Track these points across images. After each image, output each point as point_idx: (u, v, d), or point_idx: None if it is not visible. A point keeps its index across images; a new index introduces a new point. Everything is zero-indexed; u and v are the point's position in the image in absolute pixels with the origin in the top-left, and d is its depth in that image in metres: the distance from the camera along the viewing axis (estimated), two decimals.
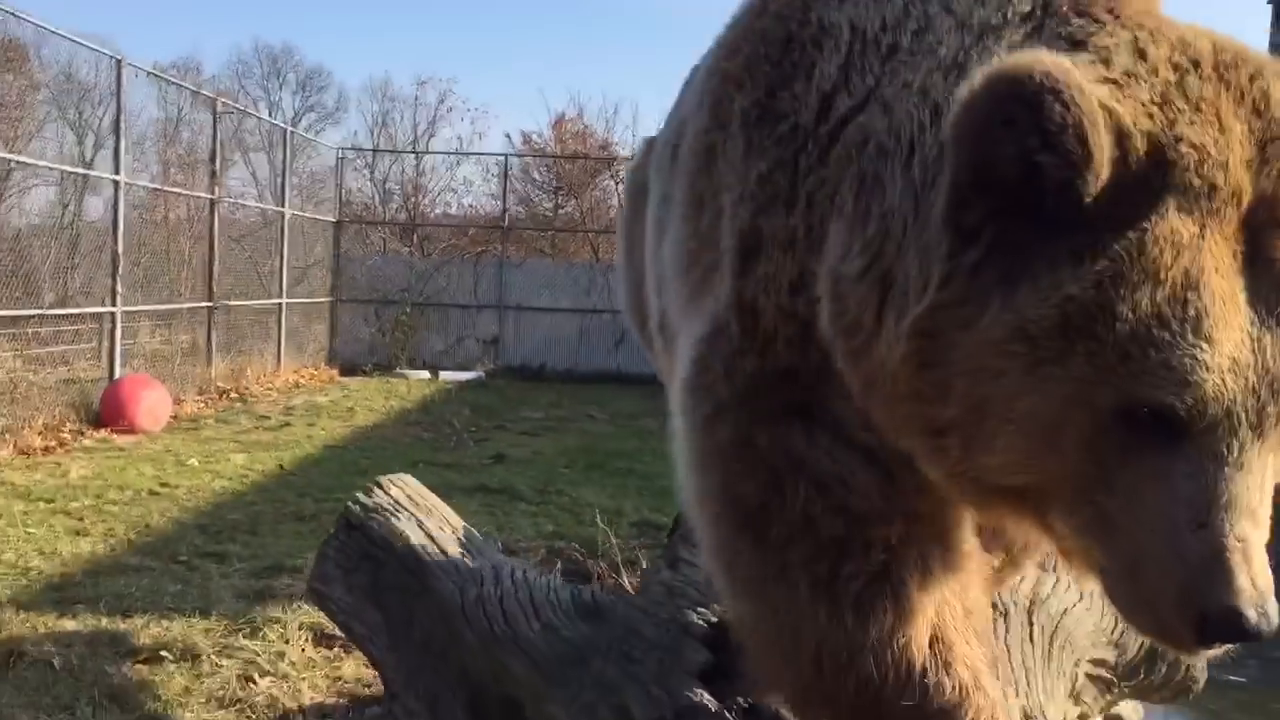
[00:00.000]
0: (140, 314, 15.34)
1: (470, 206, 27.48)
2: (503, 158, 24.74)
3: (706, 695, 1.93)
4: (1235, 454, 1.30)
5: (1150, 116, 1.34)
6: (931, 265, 1.39)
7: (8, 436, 10.81)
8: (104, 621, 5.78)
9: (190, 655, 5.25)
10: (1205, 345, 1.28)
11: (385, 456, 10.71)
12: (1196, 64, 1.39)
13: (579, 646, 2.31)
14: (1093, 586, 1.74)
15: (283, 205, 19.20)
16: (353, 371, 19.60)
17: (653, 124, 28.87)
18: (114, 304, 13.29)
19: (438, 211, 27.88)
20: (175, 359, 15.56)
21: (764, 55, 1.77)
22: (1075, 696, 2.87)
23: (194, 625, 5.68)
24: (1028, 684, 2.27)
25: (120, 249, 13.40)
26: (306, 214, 20.53)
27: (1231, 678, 4.61)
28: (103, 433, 11.74)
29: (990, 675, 1.72)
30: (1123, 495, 1.33)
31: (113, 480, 9.45)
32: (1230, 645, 1.39)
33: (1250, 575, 1.29)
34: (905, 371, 1.41)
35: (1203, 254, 1.30)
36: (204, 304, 16.26)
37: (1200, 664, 2.94)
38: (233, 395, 15.57)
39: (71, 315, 14.24)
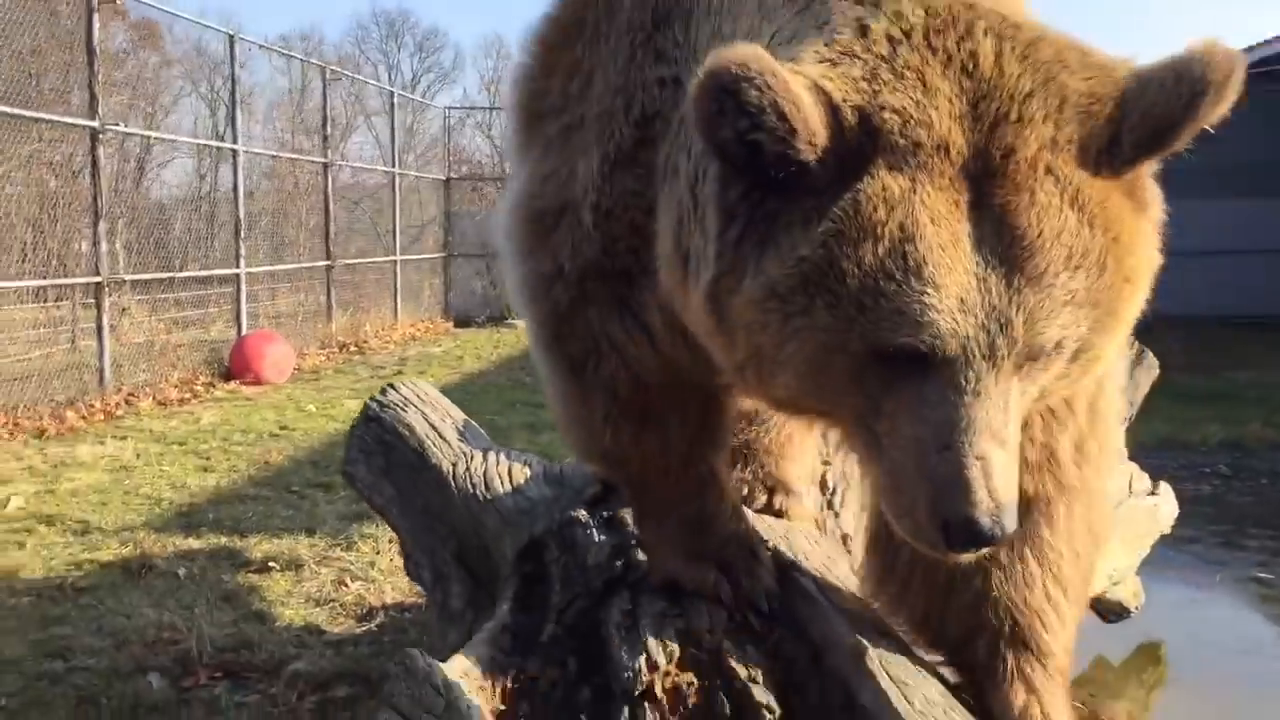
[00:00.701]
0: (265, 275, 16.36)
1: None
2: None
3: (583, 512, 2.42)
4: (973, 383, 1.46)
5: (858, 90, 1.48)
6: (708, 244, 1.60)
7: (148, 390, 11.86)
8: (223, 540, 6.53)
9: (294, 565, 5.95)
10: (931, 290, 1.43)
11: (487, 398, 11.37)
12: (908, 34, 1.53)
13: (536, 503, 2.81)
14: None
15: (393, 166, 20.02)
16: (466, 324, 20.46)
17: None
18: (238, 266, 14.26)
19: None
20: (298, 316, 16.56)
21: None
22: None
23: (300, 542, 6.38)
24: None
25: (242, 214, 14.33)
26: (413, 174, 21.32)
27: None
28: (232, 385, 12.73)
29: (726, 472, 2.27)
30: (886, 421, 1.53)
31: (238, 425, 10.34)
32: (976, 548, 1.54)
33: (988, 489, 1.45)
34: (705, 326, 1.67)
35: (916, 207, 1.44)
36: (322, 263, 17.20)
37: None
38: (351, 348, 16.52)
39: (201, 279, 15.28)
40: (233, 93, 14.46)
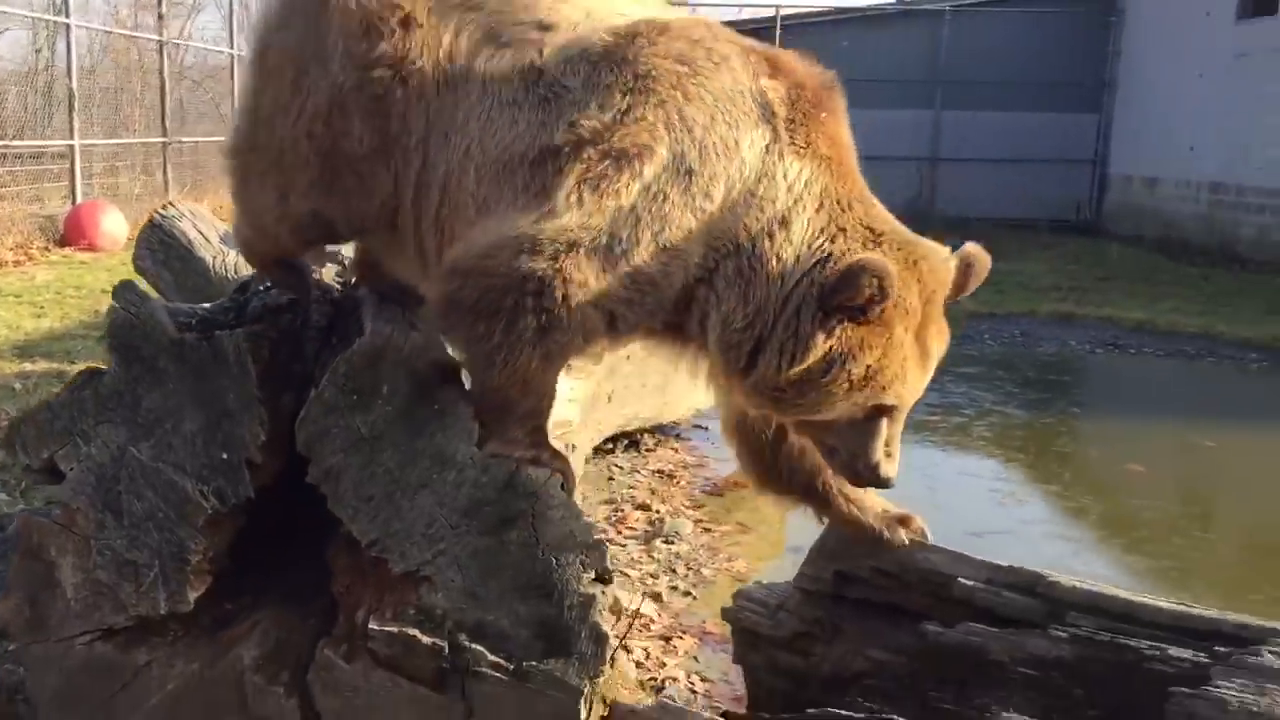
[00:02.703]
0: (104, 153, 16.83)
1: None
2: None
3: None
4: (899, 420, 2.56)
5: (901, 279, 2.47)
6: (804, 345, 2.47)
7: None
8: (54, 365, 7.60)
9: None
10: (906, 382, 2.50)
11: None
12: (907, 259, 2.52)
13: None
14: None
15: (232, 47, 20.41)
16: None
17: None
18: (71, 138, 14.80)
19: None
20: (134, 192, 17.11)
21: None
22: None
23: None
24: None
25: (75, 88, 14.83)
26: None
27: None
28: (66, 250, 13.44)
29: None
30: (858, 435, 2.54)
31: (71, 283, 11.21)
32: (880, 488, 2.62)
33: (894, 467, 2.56)
34: (778, 382, 2.51)
35: (907, 344, 2.53)
36: (158, 140, 17.71)
37: None
38: None
39: (37, 153, 15.72)
40: None
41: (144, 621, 2.72)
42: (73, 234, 13.71)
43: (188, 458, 2.65)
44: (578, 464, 5.29)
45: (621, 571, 4.93)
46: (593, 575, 2.59)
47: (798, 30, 23.43)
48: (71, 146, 14.79)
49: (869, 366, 2.44)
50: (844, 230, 2.53)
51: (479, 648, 2.56)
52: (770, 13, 23.13)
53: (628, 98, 2.58)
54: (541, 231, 2.52)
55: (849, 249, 2.49)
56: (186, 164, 18.72)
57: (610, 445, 6.66)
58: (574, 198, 2.55)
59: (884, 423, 2.52)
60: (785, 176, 2.57)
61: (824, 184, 2.58)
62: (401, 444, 2.60)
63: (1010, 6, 22.88)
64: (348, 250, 3.53)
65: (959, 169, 22.19)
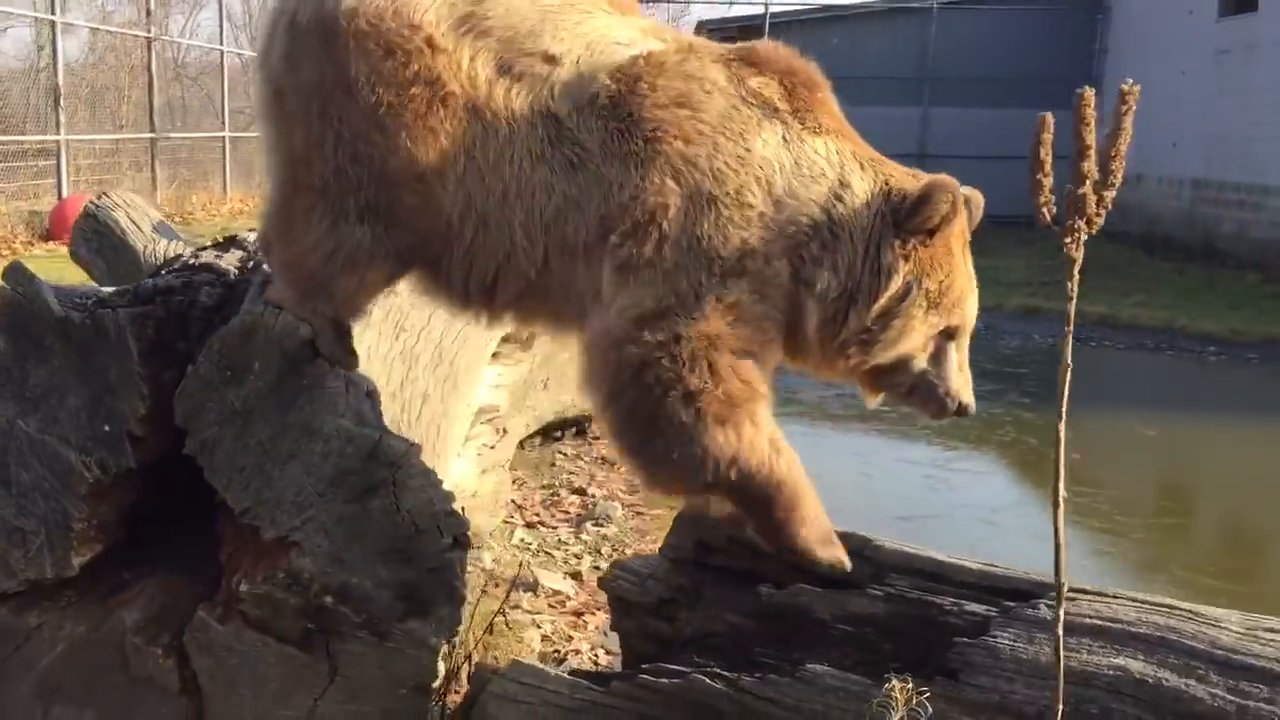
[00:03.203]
0: (94, 150, 17.02)
1: None
2: None
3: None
4: (964, 347, 2.75)
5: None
6: (886, 276, 2.64)
7: None
8: None
9: None
10: (965, 303, 2.69)
11: None
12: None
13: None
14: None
15: (220, 44, 20.59)
16: None
17: None
18: (58, 133, 14.98)
19: None
20: (121, 185, 17.28)
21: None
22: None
23: None
24: None
25: (61, 84, 15.00)
26: (245, 52, 21.88)
27: None
28: (51, 245, 13.62)
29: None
30: (934, 363, 2.72)
31: (52, 276, 11.34)
32: (966, 416, 2.78)
33: (971, 391, 2.75)
34: (866, 323, 2.67)
35: (967, 261, 2.74)
36: (146, 135, 17.89)
37: None
38: (176, 219, 17.36)
39: (32, 150, 15.88)
40: None
41: (37, 587, 2.87)
42: (57, 228, 13.87)
43: (72, 430, 2.79)
44: (508, 448, 5.46)
45: (547, 552, 5.09)
46: (450, 540, 2.74)
47: (786, 28, 23.57)
48: (58, 142, 14.95)
49: (941, 283, 2.65)
50: (891, 174, 2.74)
51: (344, 609, 2.71)
52: (759, 10, 23.23)
53: (639, 170, 2.67)
54: (611, 332, 2.67)
55: (905, 185, 2.70)
56: (182, 160, 18.92)
57: (559, 433, 6.82)
58: (626, 281, 2.66)
59: (952, 347, 2.72)
60: (819, 152, 2.73)
61: (850, 149, 2.76)
62: (272, 417, 2.75)
63: (997, 3, 23.01)
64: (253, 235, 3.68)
65: (947, 165, 21.96)
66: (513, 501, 5.61)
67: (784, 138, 2.72)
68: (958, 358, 2.74)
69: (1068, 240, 1.80)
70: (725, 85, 2.76)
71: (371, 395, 3.05)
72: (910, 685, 2.11)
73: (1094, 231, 1.83)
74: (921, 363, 2.73)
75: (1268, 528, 6.25)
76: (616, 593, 3.19)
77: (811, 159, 2.72)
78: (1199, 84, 18.94)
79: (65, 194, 15.05)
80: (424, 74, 2.71)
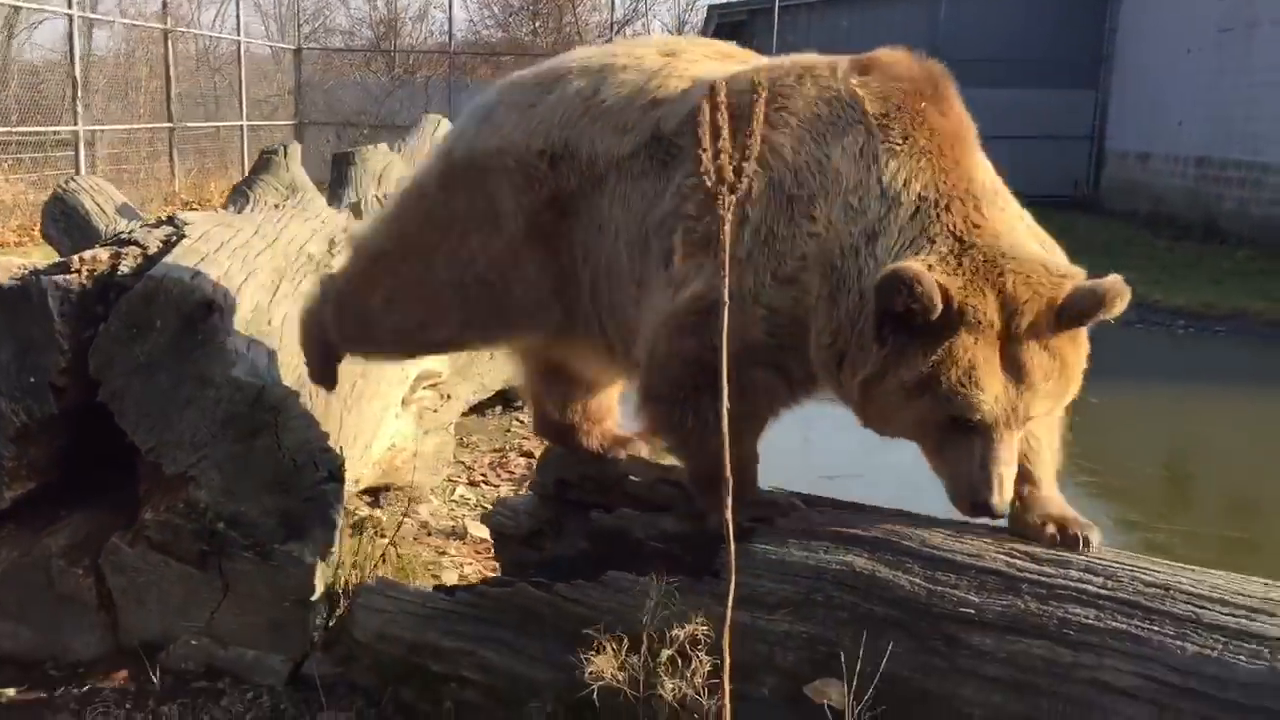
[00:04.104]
0: (117, 140, 17.57)
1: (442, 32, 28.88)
2: None
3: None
4: (999, 438, 2.39)
5: (958, 288, 2.35)
6: (866, 353, 2.43)
7: None
8: None
9: None
10: (983, 392, 2.35)
11: None
12: (988, 268, 2.39)
13: None
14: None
15: (239, 35, 21.11)
16: (319, 186, 21.81)
17: None
18: (75, 124, 15.54)
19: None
20: (140, 174, 17.88)
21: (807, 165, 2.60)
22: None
23: None
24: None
25: (79, 75, 15.55)
26: (256, 42, 22.39)
27: None
28: None
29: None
30: (952, 452, 2.43)
31: None
32: (990, 517, 2.48)
33: (998, 490, 2.39)
34: (856, 397, 2.50)
35: (977, 352, 2.35)
36: (165, 125, 18.44)
37: None
38: (194, 205, 17.92)
39: (46, 140, 16.45)
40: None
41: None
42: None
43: (3, 381, 3.22)
44: (453, 412, 5.87)
45: (484, 507, 5.49)
46: (325, 474, 3.15)
47: (795, 11, 23.81)
48: (76, 132, 15.52)
49: (923, 374, 2.38)
50: (932, 239, 2.48)
51: (233, 534, 3.13)
52: None
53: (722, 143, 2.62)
54: (680, 307, 2.69)
55: (923, 260, 2.42)
56: (205, 149, 19.45)
57: (520, 402, 7.22)
58: (691, 261, 2.68)
59: (977, 442, 2.42)
60: (880, 180, 2.55)
61: (924, 182, 2.53)
62: (172, 368, 3.17)
63: None
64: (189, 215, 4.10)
65: None
66: (461, 462, 6.02)
67: (860, 150, 2.59)
68: (984, 453, 2.42)
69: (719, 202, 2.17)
70: (823, 75, 2.71)
71: (271, 355, 3.47)
72: (667, 580, 2.52)
73: (736, 194, 2.19)
74: (940, 452, 2.49)
75: (1192, 481, 6.55)
76: (496, 527, 3.59)
77: (870, 185, 2.56)
78: (1203, 62, 19.00)
79: None
80: (550, 193, 2.96)
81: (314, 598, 3.13)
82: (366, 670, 3.04)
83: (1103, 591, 2.29)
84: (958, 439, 2.44)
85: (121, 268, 3.42)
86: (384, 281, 3.24)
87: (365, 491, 5.01)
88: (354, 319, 3.33)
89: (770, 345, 2.66)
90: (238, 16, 21.34)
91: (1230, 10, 18.37)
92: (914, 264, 2.37)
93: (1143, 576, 2.35)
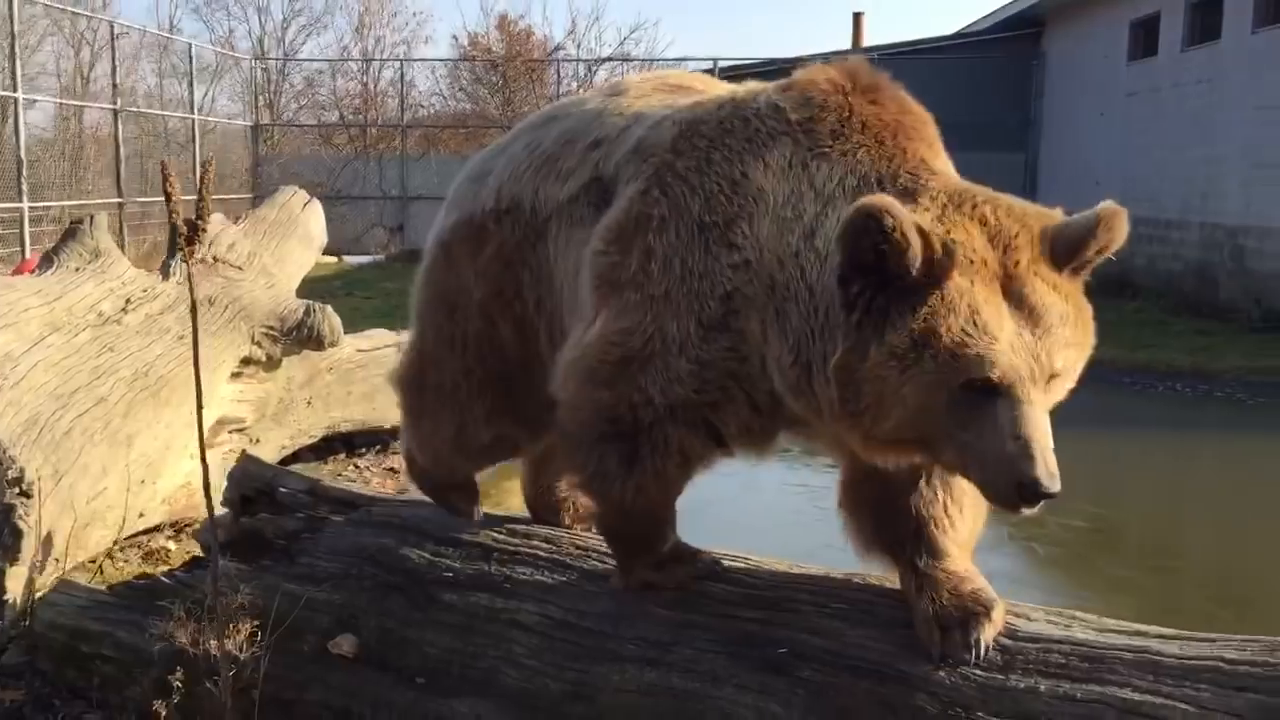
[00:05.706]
0: (57, 214, 18.20)
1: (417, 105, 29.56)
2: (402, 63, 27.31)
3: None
4: (1027, 398, 2.07)
5: (933, 221, 2.14)
6: (836, 334, 2.16)
7: None
8: None
9: None
10: (995, 340, 2.06)
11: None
12: (957, 204, 2.20)
13: None
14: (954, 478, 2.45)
15: (191, 112, 21.95)
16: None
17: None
18: (20, 201, 16.23)
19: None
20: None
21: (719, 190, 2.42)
22: (255, 344, 5.81)
23: None
24: None
25: (23, 155, 16.28)
26: (213, 119, 23.24)
27: None
28: None
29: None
30: (973, 431, 2.08)
31: None
32: (1040, 502, 2.07)
33: (1043, 462, 2.03)
34: (835, 394, 2.18)
35: (975, 295, 2.08)
36: (114, 200, 19.13)
37: (325, 325, 5.86)
38: None
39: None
40: (12, 43, 16.29)
41: None
42: None
43: None
44: (264, 455, 6.40)
45: None
46: (17, 490, 3.70)
47: (733, 80, 24.63)
48: (20, 209, 16.21)
49: (914, 333, 2.08)
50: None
51: None
52: (708, 65, 24.34)
53: (634, 183, 2.57)
54: (590, 349, 2.53)
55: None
56: (157, 226, 20.14)
57: (363, 449, 7.73)
58: (600, 296, 2.54)
59: (1002, 408, 2.08)
60: (813, 184, 2.37)
61: (862, 174, 2.34)
62: None
63: (935, 53, 23.99)
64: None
65: None
66: None
67: (789, 160, 2.42)
68: (1013, 416, 2.08)
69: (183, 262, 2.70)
70: (742, 97, 2.59)
71: None
72: (236, 564, 3.07)
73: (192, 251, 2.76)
74: (945, 429, 2.14)
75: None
76: (199, 540, 4.12)
77: (803, 192, 2.38)
78: (1114, 125, 19.84)
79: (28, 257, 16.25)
80: (500, 251, 2.93)
81: (7, 597, 3.65)
82: (45, 656, 3.56)
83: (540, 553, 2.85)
84: (976, 413, 2.09)
85: None
86: (425, 403, 3.25)
87: (173, 525, 5.55)
88: (425, 453, 3.34)
89: (697, 403, 2.45)
90: (190, 99, 22.19)
91: (1135, 76, 19.23)
92: (879, 196, 2.14)
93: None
